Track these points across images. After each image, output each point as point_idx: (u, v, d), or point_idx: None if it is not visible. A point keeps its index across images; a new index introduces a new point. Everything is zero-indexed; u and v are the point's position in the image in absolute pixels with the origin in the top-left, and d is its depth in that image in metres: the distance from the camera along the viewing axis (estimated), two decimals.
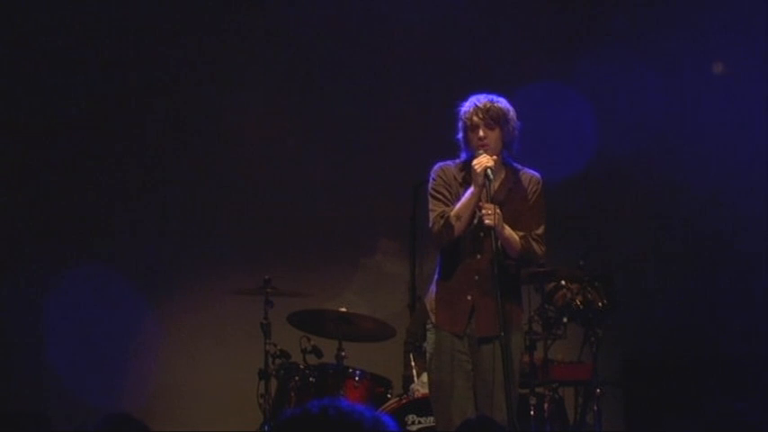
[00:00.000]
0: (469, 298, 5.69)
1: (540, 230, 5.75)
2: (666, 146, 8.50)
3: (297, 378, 6.93)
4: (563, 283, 6.99)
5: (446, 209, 5.67)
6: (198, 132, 8.49)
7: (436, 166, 5.83)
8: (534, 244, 5.70)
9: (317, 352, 6.98)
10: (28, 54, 8.32)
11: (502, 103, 5.70)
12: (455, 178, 5.76)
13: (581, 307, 6.94)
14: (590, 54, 8.52)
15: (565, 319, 6.95)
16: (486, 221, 5.52)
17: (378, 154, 8.49)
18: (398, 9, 8.54)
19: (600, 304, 6.98)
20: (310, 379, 6.91)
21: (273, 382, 6.97)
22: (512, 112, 5.69)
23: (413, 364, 7.11)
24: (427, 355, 5.83)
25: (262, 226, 8.38)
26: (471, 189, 5.61)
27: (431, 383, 5.81)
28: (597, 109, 8.48)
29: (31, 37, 8.31)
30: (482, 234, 5.65)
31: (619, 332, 7.48)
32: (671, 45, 8.51)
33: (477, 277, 5.68)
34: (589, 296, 6.97)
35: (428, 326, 5.83)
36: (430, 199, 5.77)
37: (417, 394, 6.79)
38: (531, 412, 6.77)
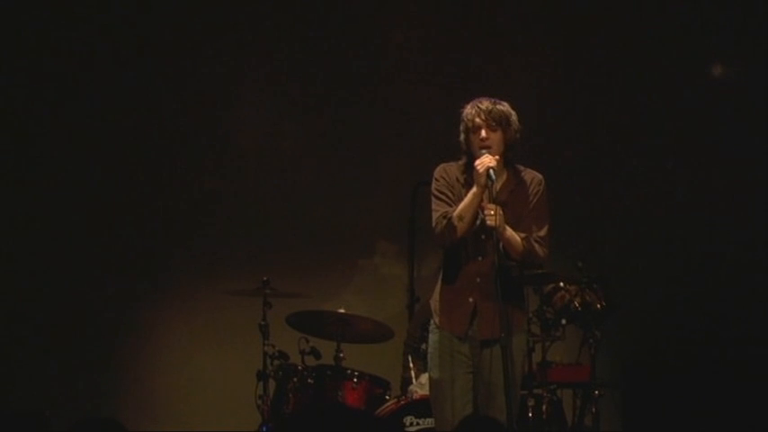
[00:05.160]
0: (471, 300, 5.70)
1: (543, 232, 5.75)
2: (665, 146, 8.51)
3: (295, 379, 6.93)
4: (561, 284, 6.99)
5: (449, 209, 5.68)
6: (197, 132, 8.49)
7: (439, 167, 5.85)
8: (536, 246, 5.71)
9: (315, 353, 6.98)
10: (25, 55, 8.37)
11: (504, 105, 5.72)
12: (457, 179, 5.77)
13: (579, 309, 6.95)
14: (587, 55, 8.55)
15: (563, 321, 6.96)
16: (488, 222, 5.52)
17: (376, 156, 8.49)
18: (399, 10, 8.55)
19: (598, 306, 6.98)
20: (309, 380, 6.91)
21: (272, 383, 6.98)
22: (514, 116, 5.72)
23: (411, 365, 7.11)
24: (428, 355, 5.84)
25: (260, 227, 8.39)
26: (474, 189, 5.62)
27: (431, 383, 5.83)
28: (597, 110, 8.50)
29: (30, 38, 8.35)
30: (484, 236, 5.66)
31: (617, 334, 7.49)
32: (671, 46, 8.53)
33: (478, 280, 5.69)
34: (587, 298, 6.97)
35: (431, 326, 5.84)
36: (433, 199, 5.78)
37: (416, 395, 6.78)
38: (530, 414, 6.78)
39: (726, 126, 8.49)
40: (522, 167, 5.83)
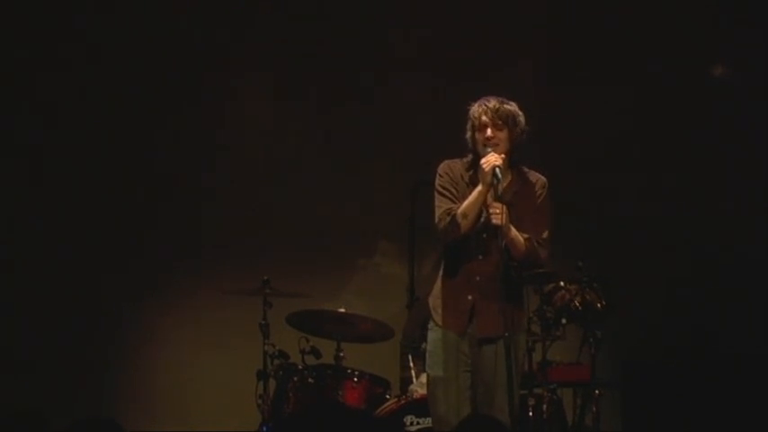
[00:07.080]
0: (470, 298, 5.70)
1: (545, 235, 5.76)
2: (666, 147, 8.51)
3: (295, 379, 6.93)
4: (562, 284, 6.98)
5: (453, 206, 5.68)
6: (197, 132, 8.49)
7: (443, 163, 5.86)
8: (538, 248, 5.71)
9: (315, 352, 6.98)
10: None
11: (512, 105, 5.74)
12: (462, 177, 5.78)
13: (580, 308, 6.94)
14: (588, 55, 8.55)
15: (563, 321, 6.95)
16: (494, 220, 5.52)
17: (377, 155, 8.49)
18: (399, 10, 8.55)
19: (598, 305, 6.98)
20: (309, 380, 6.91)
21: (272, 383, 6.98)
22: (521, 116, 5.73)
23: (411, 365, 7.11)
24: (428, 353, 5.84)
25: (261, 226, 8.40)
26: (479, 188, 5.61)
27: (429, 381, 5.82)
28: (598, 110, 8.50)
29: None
30: (485, 236, 5.66)
31: (617, 334, 7.48)
32: (671, 46, 8.53)
33: (478, 278, 5.70)
34: (588, 297, 6.97)
35: (430, 325, 5.84)
36: (436, 195, 5.79)
37: (416, 395, 6.78)
38: (530, 413, 6.78)
39: (726, 126, 8.49)
40: (526, 169, 5.84)
